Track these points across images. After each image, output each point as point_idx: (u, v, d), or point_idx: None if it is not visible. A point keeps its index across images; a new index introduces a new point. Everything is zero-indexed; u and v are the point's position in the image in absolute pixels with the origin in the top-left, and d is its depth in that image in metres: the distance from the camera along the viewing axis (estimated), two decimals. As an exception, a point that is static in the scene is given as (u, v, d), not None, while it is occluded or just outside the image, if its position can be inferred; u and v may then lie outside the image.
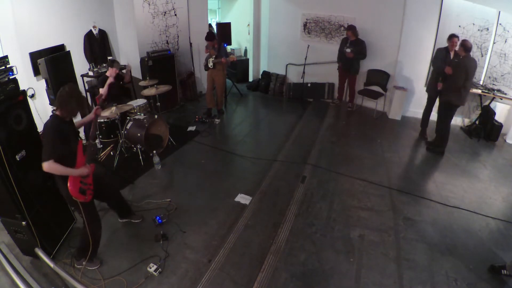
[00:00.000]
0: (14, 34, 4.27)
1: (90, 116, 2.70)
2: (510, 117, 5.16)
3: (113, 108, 4.02)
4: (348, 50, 5.70)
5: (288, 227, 3.14)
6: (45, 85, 4.06)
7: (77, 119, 2.62)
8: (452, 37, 4.44)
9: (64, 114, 2.33)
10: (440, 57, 4.62)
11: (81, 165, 2.40)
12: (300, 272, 2.65)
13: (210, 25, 8.48)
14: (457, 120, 5.69)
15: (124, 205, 3.16)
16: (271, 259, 2.75)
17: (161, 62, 5.69)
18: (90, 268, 2.64)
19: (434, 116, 5.06)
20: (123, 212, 3.18)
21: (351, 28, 5.64)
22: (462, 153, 4.65)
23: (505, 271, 2.59)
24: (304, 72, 6.52)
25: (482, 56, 5.17)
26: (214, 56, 5.46)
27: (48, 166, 2.20)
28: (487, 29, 5.00)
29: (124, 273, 2.62)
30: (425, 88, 5.20)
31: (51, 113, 2.39)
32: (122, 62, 6.06)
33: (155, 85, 4.70)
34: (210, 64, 5.52)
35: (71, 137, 2.39)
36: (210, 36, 5.38)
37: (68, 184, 2.29)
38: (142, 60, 5.68)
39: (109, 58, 5.70)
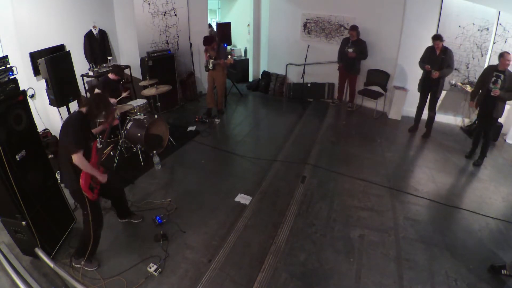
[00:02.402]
0: (14, 34, 4.26)
1: (104, 125, 2.83)
2: (510, 117, 5.16)
3: (113, 108, 4.02)
4: (350, 50, 5.70)
5: (288, 227, 3.14)
6: (45, 85, 4.05)
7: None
8: (435, 39, 4.55)
9: (88, 114, 2.42)
10: (425, 56, 4.80)
11: (94, 164, 2.49)
12: (300, 272, 2.65)
13: (209, 26, 8.49)
14: (457, 120, 5.70)
15: (125, 205, 3.17)
16: (271, 259, 2.75)
17: (161, 62, 5.69)
18: (88, 269, 2.64)
19: (425, 114, 5.17)
20: (123, 212, 3.18)
21: (355, 29, 5.65)
22: (462, 153, 4.65)
23: (505, 271, 2.59)
24: (304, 72, 6.52)
25: (482, 56, 5.17)
26: (214, 57, 5.46)
27: (78, 158, 2.27)
28: (487, 29, 5.00)
29: (124, 273, 2.62)
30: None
31: (74, 110, 2.54)
32: (122, 62, 6.05)
33: (155, 85, 4.70)
34: (210, 66, 5.52)
35: (88, 136, 2.49)
36: (207, 40, 5.38)
37: (81, 179, 2.36)
38: (142, 60, 5.68)
39: (109, 58, 5.70)
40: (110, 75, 4.44)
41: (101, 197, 2.72)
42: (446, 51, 4.57)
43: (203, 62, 5.84)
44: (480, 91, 4.23)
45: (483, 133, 4.35)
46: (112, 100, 4.32)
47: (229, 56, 5.54)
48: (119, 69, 4.52)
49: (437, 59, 4.61)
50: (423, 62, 4.79)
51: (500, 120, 5.05)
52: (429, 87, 4.85)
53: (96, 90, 4.25)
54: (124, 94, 4.61)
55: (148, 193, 3.70)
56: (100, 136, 4.41)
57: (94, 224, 2.52)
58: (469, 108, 5.48)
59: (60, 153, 2.45)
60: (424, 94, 5.04)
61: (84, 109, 2.41)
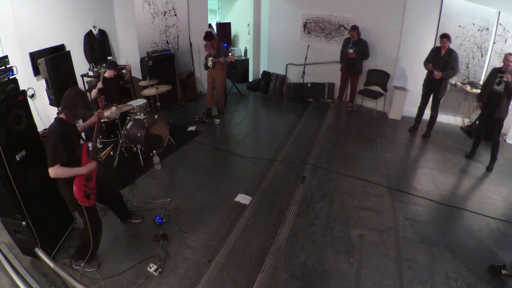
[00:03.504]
0: (14, 34, 4.27)
1: (92, 119, 2.68)
2: (510, 117, 5.14)
3: (113, 108, 4.02)
4: (351, 50, 5.70)
5: (288, 227, 3.14)
6: (45, 85, 4.06)
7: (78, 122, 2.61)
8: (443, 37, 4.56)
9: (69, 117, 2.31)
10: (430, 56, 4.80)
11: None
12: (300, 272, 2.65)
13: (210, 25, 8.50)
14: (457, 120, 5.70)
15: (123, 207, 3.15)
16: (271, 259, 2.75)
17: (161, 62, 5.69)
18: (88, 270, 2.64)
19: (426, 115, 5.21)
20: (122, 214, 3.17)
21: (355, 29, 5.65)
22: (462, 153, 4.65)
23: (505, 271, 2.59)
24: (304, 72, 6.53)
25: (482, 56, 5.17)
26: (213, 55, 5.46)
27: (54, 171, 2.19)
28: (487, 29, 5.00)
29: (124, 273, 2.62)
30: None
31: (55, 116, 2.39)
32: (122, 62, 6.06)
33: (155, 85, 4.70)
34: (210, 64, 5.52)
35: (74, 141, 2.38)
36: (208, 36, 5.37)
37: (74, 188, 2.28)
38: (142, 60, 5.68)
39: (109, 58, 5.71)
40: (107, 74, 4.43)
41: (97, 202, 2.64)
42: (451, 53, 4.55)
43: (203, 61, 5.83)
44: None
45: (491, 135, 4.32)
46: (93, 91, 4.26)
47: (230, 54, 5.52)
48: (113, 64, 4.48)
49: (441, 59, 4.60)
50: (427, 62, 4.79)
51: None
52: (432, 88, 4.85)
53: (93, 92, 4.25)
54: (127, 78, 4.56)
55: (148, 193, 3.70)
56: (100, 136, 4.41)
57: (93, 230, 2.50)
58: (469, 108, 5.48)
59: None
60: (427, 95, 5.03)
61: (63, 115, 2.29)
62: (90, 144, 2.60)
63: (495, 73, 4.07)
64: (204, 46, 5.65)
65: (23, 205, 2.46)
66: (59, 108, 2.32)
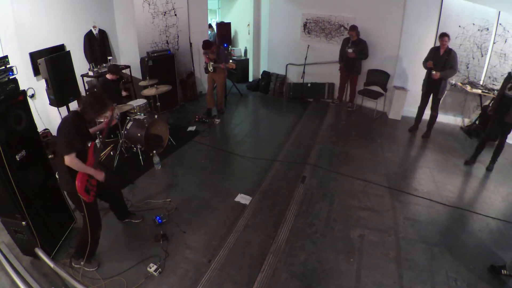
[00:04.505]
0: (14, 34, 4.26)
1: (101, 125, 2.82)
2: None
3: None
4: (350, 50, 5.70)
5: (288, 227, 3.14)
6: (45, 85, 4.05)
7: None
8: (443, 36, 4.54)
9: (85, 115, 2.41)
10: (429, 56, 4.79)
11: (91, 166, 2.46)
12: (300, 272, 2.65)
13: (210, 25, 8.50)
14: (457, 120, 5.70)
15: (123, 207, 3.15)
16: (271, 259, 2.75)
17: (161, 62, 5.69)
18: (88, 270, 2.64)
19: (426, 114, 5.20)
20: (122, 213, 3.18)
21: (354, 29, 5.65)
22: (462, 153, 4.65)
23: (505, 271, 2.59)
24: (304, 72, 6.53)
25: (482, 56, 5.17)
26: (213, 60, 5.45)
27: (70, 159, 2.26)
28: (487, 29, 5.00)
29: (124, 273, 2.62)
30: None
31: (72, 109, 2.52)
32: (122, 62, 6.05)
33: (155, 85, 4.70)
34: (210, 68, 5.52)
35: (84, 137, 2.46)
36: (206, 45, 5.35)
37: (76, 182, 2.32)
38: (142, 60, 5.68)
39: (109, 58, 5.71)
40: (108, 76, 4.46)
41: (98, 199, 2.68)
42: (450, 52, 4.55)
43: (203, 63, 5.83)
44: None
45: (496, 137, 4.28)
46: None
47: (230, 61, 5.52)
48: (116, 68, 4.53)
49: (441, 59, 4.60)
50: (426, 62, 4.78)
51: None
52: (431, 88, 4.84)
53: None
54: (124, 94, 4.59)
55: (148, 193, 3.70)
56: (101, 136, 4.41)
57: (91, 226, 2.50)
58: (469, 108, 5.48)
59: (57, 154, 2.43)
60: (426, 95, 5.03)
61: (79, 109, 2.39)
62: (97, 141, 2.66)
63: (509, 78, 3.98)
64: (203, 54, 5.63)
65: (23, 205, 2.46)
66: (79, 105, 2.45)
